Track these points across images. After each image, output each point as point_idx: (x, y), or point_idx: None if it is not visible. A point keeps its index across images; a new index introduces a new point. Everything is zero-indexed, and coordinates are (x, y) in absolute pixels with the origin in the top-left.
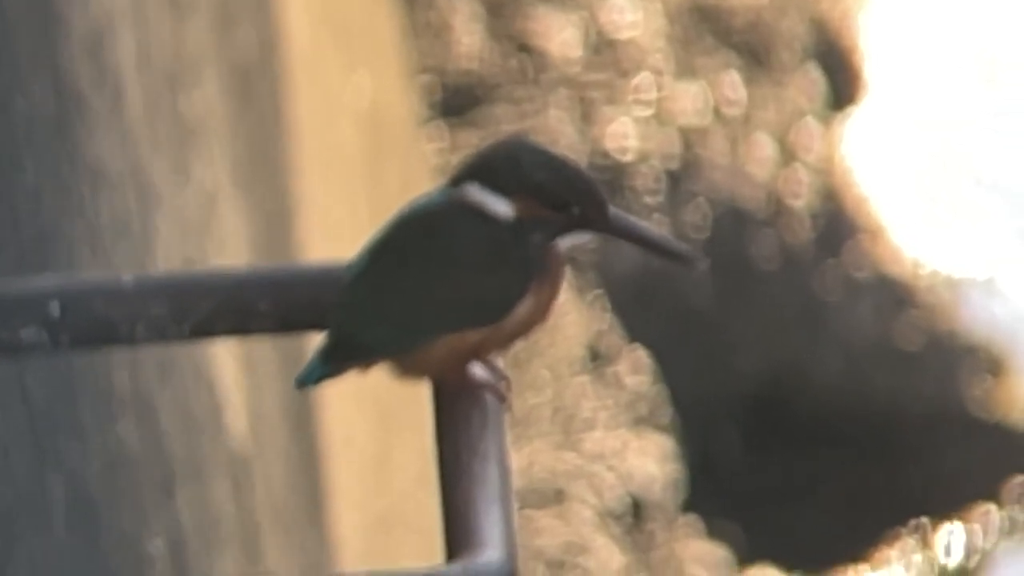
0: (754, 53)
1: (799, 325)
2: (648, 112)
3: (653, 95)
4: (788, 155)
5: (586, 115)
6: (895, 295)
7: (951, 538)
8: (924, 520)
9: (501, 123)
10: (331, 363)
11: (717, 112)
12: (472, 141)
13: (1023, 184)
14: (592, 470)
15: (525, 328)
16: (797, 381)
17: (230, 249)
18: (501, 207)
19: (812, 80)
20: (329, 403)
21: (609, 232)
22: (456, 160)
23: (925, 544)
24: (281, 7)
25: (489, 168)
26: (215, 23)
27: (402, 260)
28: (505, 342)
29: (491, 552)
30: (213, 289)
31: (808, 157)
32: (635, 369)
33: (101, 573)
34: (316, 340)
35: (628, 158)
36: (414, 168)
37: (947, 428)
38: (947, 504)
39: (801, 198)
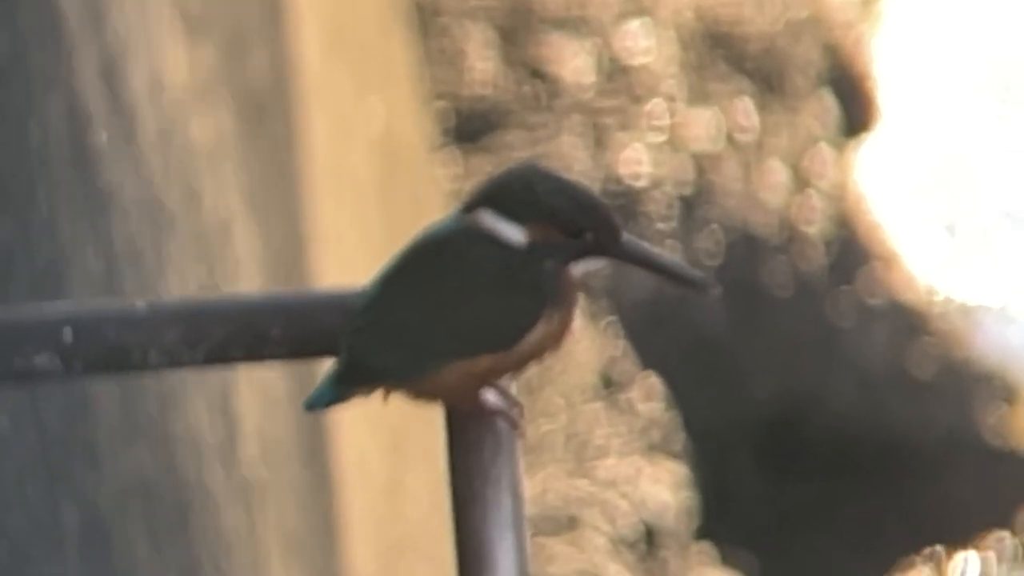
0: (767, 79)
1: (812, 352)
2: (661, 138)
3: (666, 121)
4: (801, 182)
5: (599, 141)
6: (909, 322)
7: (965, 566)
8: (938, 548)
9: (514, 149)
10: (341, 387)
11: (730, 138)
12: (485, 167)
13: None
14: (605, 497)
15: (538, 354)
16: (810, 408)
17: (243, 275)
18: (514, 233)
19: (825, 106)
20: (342, 430)
21: (622, 258)
22: (469, 186)
23: (939, 572)
24: (294, 33)
25: (502, 194)
26: (228, 49)
27: (415, 285)
28: (518, 367)
29: None
30: (226, 316)
31: (821, 184)
32: (648, 396)
33: None
34: (328, 367)
35: (641, 184)
36: (427, 194)
37: (961, 455)
38: (961, 531)
39: (814, 225)
